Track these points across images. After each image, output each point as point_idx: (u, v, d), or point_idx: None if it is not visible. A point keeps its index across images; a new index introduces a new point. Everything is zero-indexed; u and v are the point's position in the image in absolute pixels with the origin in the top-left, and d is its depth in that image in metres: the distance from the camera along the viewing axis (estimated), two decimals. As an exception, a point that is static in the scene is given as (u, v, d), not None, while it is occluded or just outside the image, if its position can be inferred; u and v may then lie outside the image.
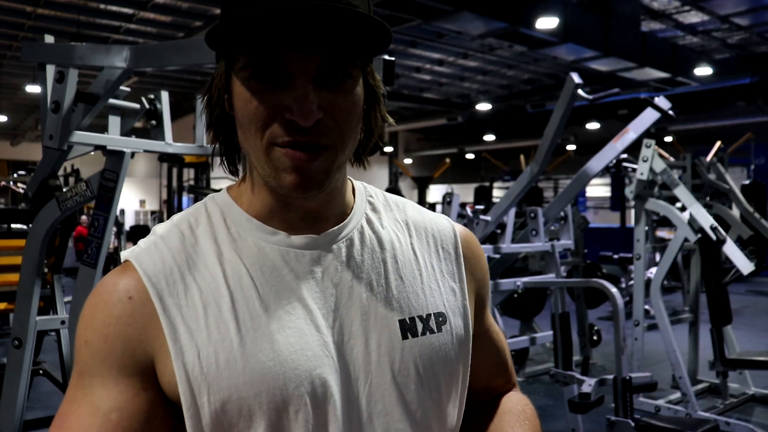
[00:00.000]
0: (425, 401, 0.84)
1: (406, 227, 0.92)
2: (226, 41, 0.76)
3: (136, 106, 2.93)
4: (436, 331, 0.85)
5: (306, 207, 0.84)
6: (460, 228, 0.98)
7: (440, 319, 0.86)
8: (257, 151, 0.77)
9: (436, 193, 23.70)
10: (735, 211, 6.28)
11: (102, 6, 10.55)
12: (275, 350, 0.77)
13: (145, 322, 0.78)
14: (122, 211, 11.06)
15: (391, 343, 0.82)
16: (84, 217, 13.65)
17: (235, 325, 0.78)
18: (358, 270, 0.84)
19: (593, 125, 19.36)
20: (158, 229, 0.86)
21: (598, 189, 22.02)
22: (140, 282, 0.79)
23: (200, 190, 10.05)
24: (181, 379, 0.76)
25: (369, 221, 0.89)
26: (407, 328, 0.83)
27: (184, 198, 13.39)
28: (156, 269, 0.80)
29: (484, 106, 16.83)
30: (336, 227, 0.86)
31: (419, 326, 0.84)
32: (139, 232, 11.46)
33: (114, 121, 2.81)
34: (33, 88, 13.82)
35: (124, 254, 0.83)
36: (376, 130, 0.86)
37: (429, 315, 0.86)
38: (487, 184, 17.89)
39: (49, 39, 2.66)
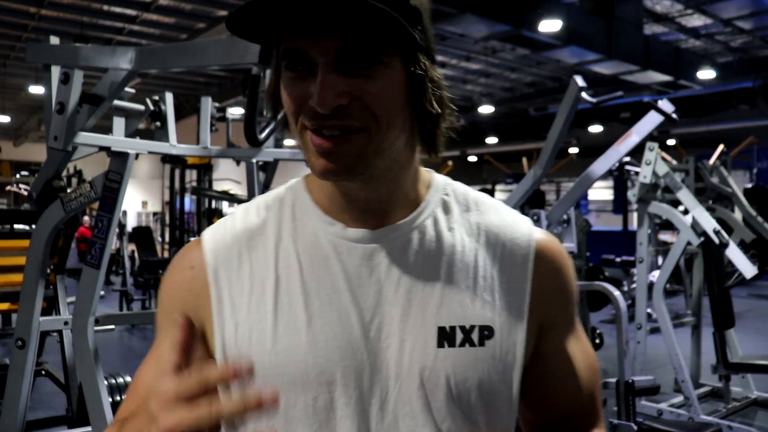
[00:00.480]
0: (455, 415, 0.81)
1: (477, 232, 0.87)
2: (249, 32, 0.78)
3: (141, 107, 2.94)
4: (477, 344, 0.81)
5: (364, 198, 0.83)
6: (540, 237, 0.90)
7: (485, 332, 0.82)
8: (296, 135, 0.80)
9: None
10: (738, 215, 6.28)
11: (105, 7, 10.57)
12: (303, 338, 0.80)
13: (199, 291, 0.85)
14: (124, 213, 11.06)
15: (424, 349, 0.80)
16: (86, 219, 13.67)
17: (273, 307, 0.82)
18: (409, 270, 0.83)
19: (596, 128, 19.35)
20: (239, 207, 0.92)
21: (601, 192, 22.00)
22: (202, 254, 0.87)
23: (203, 191, 10.05)
24: (217, 349, 0.83)
25: (435, 221, 0.86)
26: (445, 337, 0.80)
27: (186, 199, 13.40)
28: (217, 245, 0.87)
29: (486, 109, 16.84)
30: (396, 224, 0.84)
31: (458, 336, 0.81)
32: (141, 233, 11.45)
33: (118, 123, 2.81)
34: (36, 89, 13.84)
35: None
36: (429, 118, 0.81)
37: (473, 327, 0.81)
38: (489, 186, 17.90)
39: (54, 40, 2.67)
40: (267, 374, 0.79)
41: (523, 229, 0.89)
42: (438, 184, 0.90)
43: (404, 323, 0.81)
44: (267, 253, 0.85)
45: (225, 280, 0.84)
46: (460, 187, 0.93)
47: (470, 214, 0.89)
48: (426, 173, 0.91)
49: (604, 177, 4.68)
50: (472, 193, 0.92)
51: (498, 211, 0.91)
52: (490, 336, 0.82)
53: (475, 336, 0.81)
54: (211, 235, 0.88)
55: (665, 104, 4.12)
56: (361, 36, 0.74)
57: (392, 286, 0.82)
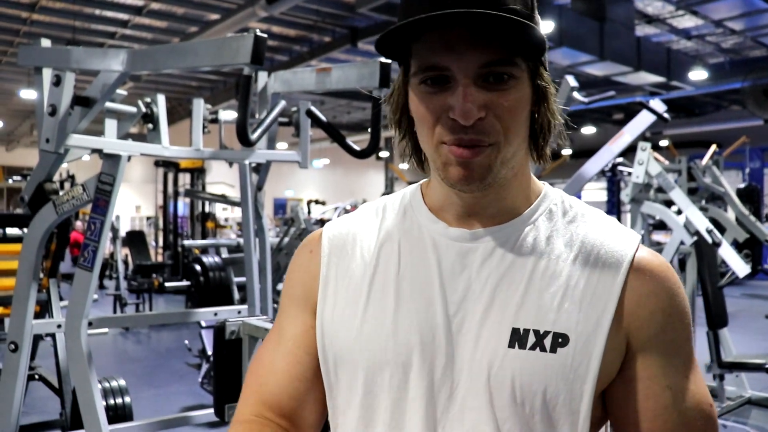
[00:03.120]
0: (516, 417, 0.81)
1: (575, 245, 0.87)
2: (394, 50, 0.85)
3: (133, 109, 2.93)
4: (548, 350, 0.81)
5: (473, 201, 0.88)
6: (641, 254, 0.87)
7: (559, 340, 0.81)
8: (430, 148, 0.85)
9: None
10: (730, 214, 6.30)
11: (97, 12, 10.56)
12: (389, 321, 0.87)
13: (315, 273, 0.96)
14: (117, 217, 11.02)
15: (496, 347, 0.82)
16: (78, 223, 13.62)
17: (367, 292, 0.90)
18: (498, 272, 0.86)
19: (589, 129, 19.40)
20: (365, 205, 1.02)
21: (594, 193, 22.05)
22: (321, 240, 0.98)
23: (197, 193, 10.04)
24: (318, 323, 0.93)
25: (536, 228, 0.88)
26: (517, 338, 0.82)
27: (180, 202, 13.37)
28: (335, 233, 0.98)
29: (479, 111, 16.83)
30: (495, 227, 0.88)
31: (530, 340, 0.81)
32: (135, 237, 11.42)
33: (111, 125, 2.80)
34: (28, 94, 13.80)
35: None
36: (547, 128, 0.87)
37: (547, 332, 0.81)
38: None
39: (46, 43, 2.66)
40: (353, 350, 0.88)
41: (623, 243, 0.87)
42: (549, 195, 0.93)
43: (483, 320, 0.84)
44: (373, 244, 0.94)
45: (334, 265, 0.95)
46: (571, 199, 0.94)
47: (573, 225, 0.90)
48: (539, 184, 0.95)
49: (597, 177, 4.69)
50: (583, 206, 0.93)
51: (603, 225, 0.90)
52: (563, 344, 0.81)
53: (547, 342, 0.81)
54: (331, 225, 1.00)
55: (657, 104, 4.14)
56: (501, 52, 0.80)
57: (480, 285, 0.86)
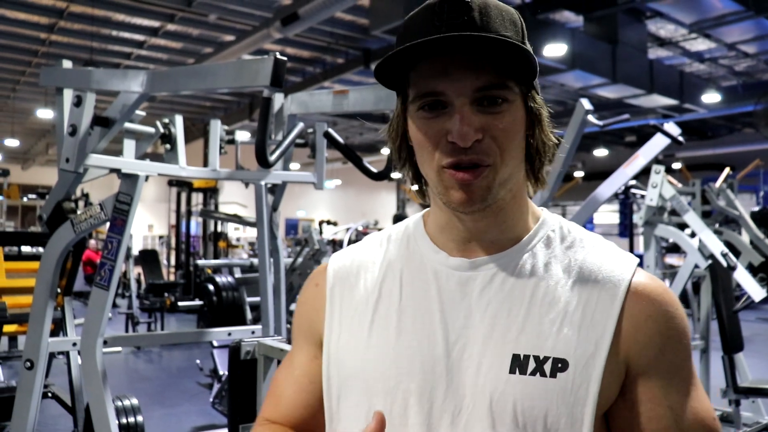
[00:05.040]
0: None
1: (572, 269, 0.88)
2: (393, 79, 0.89)
3: (151, 129, 2.96)
4: (548, 375, 0.82)
5: (473, 226, 0.90)
6: (639, 277, 0.88)
7: (559, 365, 0.82)
8: (431, 173, 0.87)
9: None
10: (745, 237, 6.26)
11: (114, 33, 10.70)
12: (391, 350, 0.89)
13: (320, 305, 0.99)
14: (130, 236, 11.08)
15: (497, 373, 0.84)
16: (92, 242, 13.70)
17: (370, 321, 0.93)
18: (498, 299, 0.87)
19: (601, 152, 19.38)
20: (368, 236, 1.05)
21: (606, 215, 21.97)
22: (326, 274, 1.01)
23: (212, 213, 10.08)
24: (324, 353, 0.96)
25: (534, 255, 0.90)
26: (518, 364, 0.83)
27: (193, 222, 13.43)
28: (340, 266, 1.01)
29: (491, 133, 16.85)
30: (496, 254, 0.90)
31: (530, 365, 0.83)
32: (147, 256, 11.47)
33: (129, 145, 2.83)
34: (44, 113, 13.97)
35: None
36: (543, 150, 0.90)
37: (547, 358, 0.83)
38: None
39: (67, 64, 2.71)
40: (357, 377, 0.91)
41: (621, 267, 0.88)
42: (547, 221, 0.94)
43: (485, 347, 0.85)
44: (377, 274, 0.96)
45: (339, 297, 0.97)
46: (569, 225, 0.95)
47: (571, 251, 0.91)
48: (537, 210, 0.96)
49: (609, 200, 4.68)
50: (581, 232, 0.94)
51: (602, 250, 0.91)
52: (563, 369, 0.82)
53: (547, 367, 0.83)
54: (337, 256, 1.02)
55: (672, 127, 4.14)
56: (495, 76, 0.83)
57: (480, 312, 0.87)
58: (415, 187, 0.98)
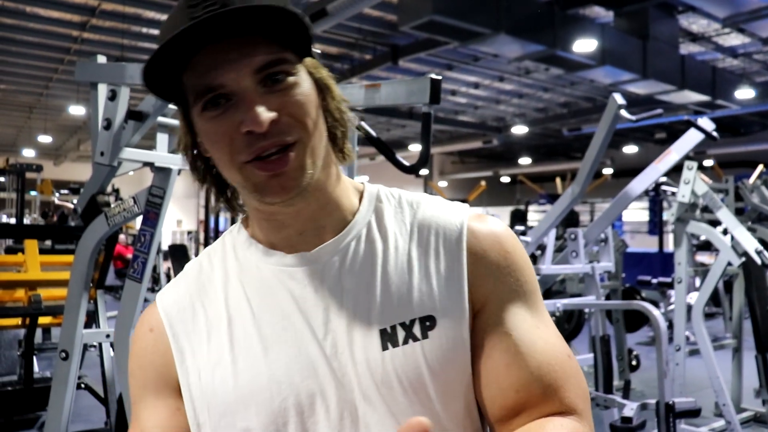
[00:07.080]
0: (418, 412, 0.80)
1: (410, 230, 0.88)
2: (167, 89, 0.82)
3: (183, 124, 2.99)
4: (420, 338, 0.81)
5: (298, 218, 0.86)
6: (473, 220, 0.89)
7: (427, 323, 0.82)
8: (234, 174, 0.81)
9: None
10: (779, 236, 6.14)
11: (144, 30, 10.82)
12: (263, 367, 0.82)
13: (165, 350, 0.87)
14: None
15: (371, 355, 0.81)
16: (122, 237, 13.88)
17: (229, 346, 0.84)
18: (349, 282, 0.84)
19: (631, 149, 19.18)
20: (188, 263, 0.95)
21: (636, 213, 21.73)
22: (158, 315, 0.89)
23: (243, 208, 10.14)
24: (186, 398, 0.85)
25: (369, 229, 0.88)
26: (387, 338, 0.81)
27: (221, 218, 13.55)
28: (170, 301, 0.90)
29: (519, 129, 16.80)
30: (330, 241, 0.86)
31: (400, 335, 0.81)
32: (176, 250, 11.59)
33: (162, 139, 2.86)
34: (76, 110, 14.18)
35: None
36: (340, 120, 0.86)
37: (413, 321, 0.82)
38: (522, 207, 17.79)
39: (102, 59, 2.74)
40: (236, 411, 0.81)
41: (455, 215, 0.89)
42: (371, 193, 0.92)
43: (351, 334, 0.82)
44: (218, 296, 0.88)
45: (182, 333, 0.87)
46: (394, 191, 0.94)
47: (404, 215, 0.90)
48: (357, 183, 0.94)
49: (639, 197, 4.63)
50: (408, 195, 0.94)
51: (432, 206, 0.91)
52: (432, 326, 0.82)
53: (416, 330, 0.82)
54: (163, 294, 0.92)
55: (705, 122, 4.08)
56: (268, 51, 0.78)
57: (336, 301, 0.83)
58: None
